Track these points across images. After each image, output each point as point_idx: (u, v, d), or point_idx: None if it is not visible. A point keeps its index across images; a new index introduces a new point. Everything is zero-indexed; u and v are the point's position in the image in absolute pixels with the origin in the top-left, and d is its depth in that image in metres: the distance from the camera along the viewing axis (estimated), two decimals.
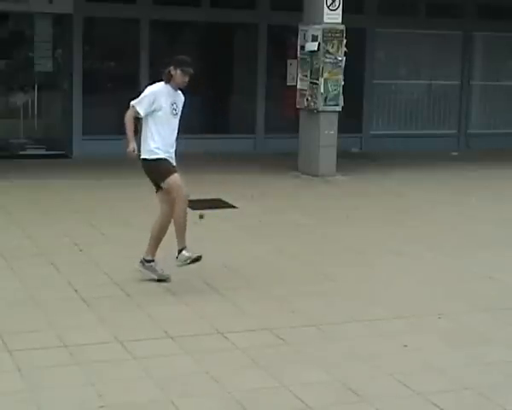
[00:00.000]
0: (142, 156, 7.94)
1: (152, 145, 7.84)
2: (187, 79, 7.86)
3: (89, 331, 6.63)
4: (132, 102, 7.87)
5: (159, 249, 8.06)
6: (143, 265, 8.03)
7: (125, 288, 7.77)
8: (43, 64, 16.42)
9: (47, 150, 16.17)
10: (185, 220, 7.86)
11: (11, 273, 8.22)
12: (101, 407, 5.29)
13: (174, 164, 7.95)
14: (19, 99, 16.62)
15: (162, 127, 7.83)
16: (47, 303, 7.29)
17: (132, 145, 7.82)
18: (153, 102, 7.77)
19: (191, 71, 7.86)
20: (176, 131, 7.96)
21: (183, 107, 8.06)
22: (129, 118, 7.86)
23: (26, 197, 11.99)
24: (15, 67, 16.63)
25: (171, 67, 7.81)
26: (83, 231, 10.05)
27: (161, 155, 7.84)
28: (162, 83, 7.90)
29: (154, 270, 7.99)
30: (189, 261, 7.85)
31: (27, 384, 5.60)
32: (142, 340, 6.49)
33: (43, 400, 5.38)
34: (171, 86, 7.87)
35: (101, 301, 7.41)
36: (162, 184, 7.89)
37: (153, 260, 8.02)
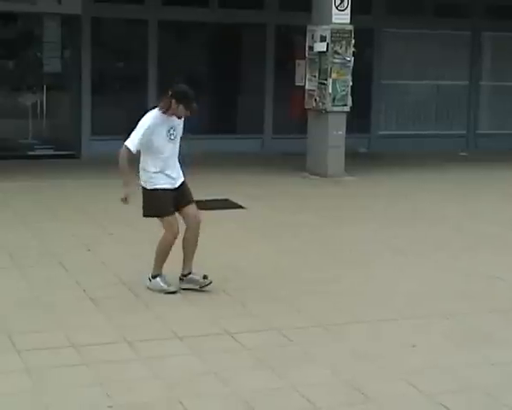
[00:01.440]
0: (141, 183, 7.69)
1: (150, 173, 7.57)
2: (189, 113, 7.58)
3: (97, 331, 6.64)
4: (126, 142, 7.55)
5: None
6: (150, 281, 7.82)
7: (133, 288, 7.78)
8: (52, 65, 16.48)
9: (55, 151, 16.22)
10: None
11: (19, 273, 8.24)
12: (110, 406, 5.30)
13: (177, 185, 7.67)
14: (27, 100, 16.67)
15: (160, 154, 7.55)
16: (55, 303, 7.31)
17: (126, 192, 7.52)
18: (147, 136, 7.49)
19: (195, 107, 7.53)
20: (176, 155, 7.68)
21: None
22: (123, 160, 7.52)
23: (34, 197, 12.02)
24: (24, 68, 16.69)
25: (173, 101, 7.47)
26: (91, 231, 10.07)
27: (160, 185, 7.56)
28: (157, 112, 7.57)
29: (158, 285, 7.78)
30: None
31: (35, 384, 5.62)
32: (150, 340, 6.50)
33: (52, 400, 5.39)
34: (168, 115, 7.55)
35: (109, 301, 7.43)
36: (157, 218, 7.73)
37: (159, 275, 7.82)
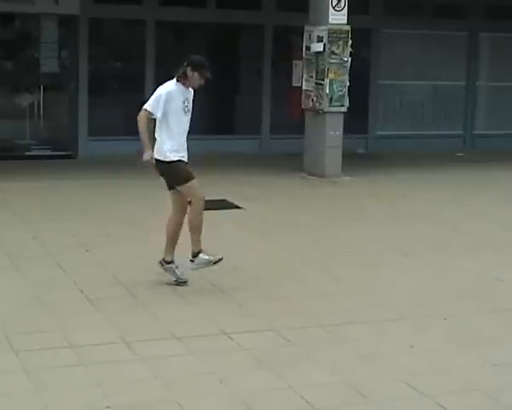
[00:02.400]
0: (157, 157, 7.78)
1: (168, 146, 7.72)
2: (203, 82, 7.79)
3: (95, 332, 6.63)
4: (145, 106, 7.69)
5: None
6: (162, 266, 7.98)
7: (131, 288, 7.77)
8: (49, 65, 16.45)
9: (53, 151, 16.19)
10: (201, 223, 7.85)
11: (17, 274, 8.23)
12: (108, 407, 5.29)
13: (187, 161, 7.89)
14: (25, 100, 16.64)
15: (175, 127, 7.72)
16: (53, 304, 7.29)
17: (149, 153, 7.70)
18: (166, 102, 7.63)
19: (209, 75, 7.75)
20: (187, 129, 7.88)
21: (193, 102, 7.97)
22: (143, 123, 7.66)
23: (32, 198, 12.00)
24: (21, 68, 16.65)
25: (188, 69, 7.66)
26: (89, 232, 10.06)
27: (178, 157, 7.75)
28: (173, 82, 7.75)
29: (173, 272, 7.94)
30: (212, 264, 7.84)
31: (34, 385, 5.61)
32: (148, 340, 6.49)
33: (50, 400, 5.38)
34: (184, 85, 7.75)
35: (108, 301, 7.42)
36: (179, 188, 7.82)
37: (172, 262, 7.97)
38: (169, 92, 7.69)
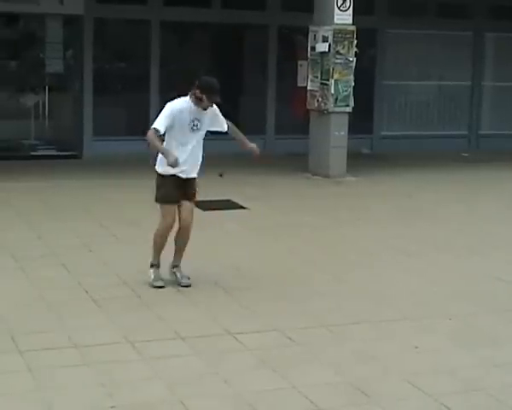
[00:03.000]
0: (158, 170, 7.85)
1: (163, 159, 7.68)
2: (211, 104, 7.70)
3: (99, 332, 6.64)
4: (153, 124, 7.65)
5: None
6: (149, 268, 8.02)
7: (135, 288, 7.78)
8: (54, 65, 16.47)
9: (58, 151, 16.22)
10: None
11: (21, 274, 8.24)
12: (112, 407, 5.30)
13: (184, 176, 7.74)
14: (30, 100, 16.66)
15: (177, 142, 7.67)
16: (57, 304, 7.30)
17: (173, 156, 7.56)
18: (172, 118, 7.62)
19: (217, 100, 7.67)
20: (194, 147, 7.75)
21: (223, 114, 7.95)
22: (152, 141, 7.60)
23: (36, 198, 12.02)
24: (26, 69, 16.68)
25: (198, 91, 7.58)
26: (93, 232, 10.07)
27: (167, 172, 7.67)
28: (186, 99, 7.68)
29: (150, 277, 7.94)
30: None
31: (38, 384, 5.62)
32: (152, 341, 6.49)
33: (54, 400, 5.39)
34: (196, 104, 7.66)
35: (112, 301, 7.43)
36: (156, 202, 7.88)
37: (156, 266, 7.98)
38: (177, 109, 7.66)
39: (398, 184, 14.45)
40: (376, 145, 18.23)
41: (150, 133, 7.61)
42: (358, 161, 15.72)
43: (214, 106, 7.85)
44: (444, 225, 11.21)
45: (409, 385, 5.78)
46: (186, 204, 7.81)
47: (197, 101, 7.63)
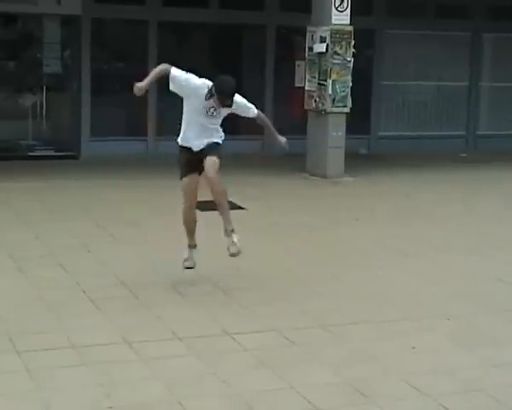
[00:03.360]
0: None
1: (181, 131, 7.78)
2: (221, 106, 7.64)
3: (97, 332, 6.63)
4: (172, 67, 7.67)
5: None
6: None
7: (133, 289, 7.77)
8: (52, 65, 16.46)
9: (55, 151, 16.21)
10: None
11: (20, 274, 8.23)
12: (110, 407, 5.29)
13: (198, 149, 7.70)
14: (27, 100, 16.65)
15: (192, 119, 7.68)
16: (55, 304, 7.29)
17: (141, 84, 7.62)
18: (185, 86, 7.60)
19: (227, 104, 7.62)
20: (211, 128, 7.70)
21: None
22: (157, 69, 7.74)
23: (34, 198, 12.01)
24: (24, 69, 16.67)
25: (213, 88, 7.59)
26: (91, 232, 10.06)
27: (183, 144, 7.77)
28: (206, 85, 7.65)
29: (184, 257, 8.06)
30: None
31: (36, 385, 5.61)
32: (150, 341, 6.48)
33: (52, 400, 5.38)
34: (213, 100, 7.62)
35: (110, 301, 7.42)
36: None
37: (189, 247, 8.09)
38: (195, 84, 7.63)
39: (395, 184, 14.46)
40: (374, 145, 18.24)
41: (161, 67, 7.71)
42: (356, 161, 15.73)
43: (236, 96, 7.78)
44: (442, 226, 11.21)
45: (408, 385, 5.78)
46: (207, 158, 7.64)
47: (212, 96, 7.62)
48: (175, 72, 7.67)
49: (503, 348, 6.65)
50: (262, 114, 8.15)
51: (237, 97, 7.84)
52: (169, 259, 8.88)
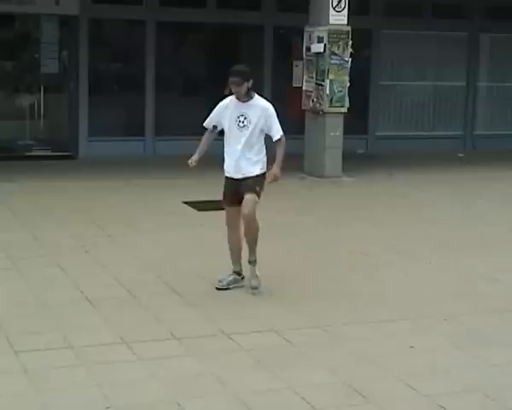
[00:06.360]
0: None
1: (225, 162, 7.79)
2: (234, 88, 7.58)
3: (94, 333, 6.63)
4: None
5: None
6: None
7: (130, 289, 7.77)
8: (49, 65, 16.45)
9: (53, 151, 16.21)
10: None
11: (17, 274, 8.23)
12: (108, 408, 5.29)
13: (236, 176, 7.70)
14: (25, 100, 16.65)
15: (228, 142, 7.70)
16: (53, 304, 7.29)
17: (194, 157, 7.82)
18: (219, 116, 7.72)
19: (231, 80, 7.55)
20: (244, 145, 7.64)
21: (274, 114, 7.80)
22: (204, 136, 7.92)
23: (31, 198, 12.01)
24: (21, 69, 16.66)
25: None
26: (88, 232, 10.06)
27: (226, 174, 7.76)
28: (231, 96, 7.71)
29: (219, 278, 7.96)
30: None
31: (33, 385, 5.61)
32: (147, 341, 6.49)
33: (49, 401, 5.38)
34: (235, 95, 7.63)
35: (107, 302, 7.42)
36: None
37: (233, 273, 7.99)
38: (222, 105, 7.76)
39: (393, 184, 14.46)
40: (371, 145, 18.26)
41: (206, 133, 7.89)
42: (354, 161, 15.73)
43: (270, 108, 7.72)
44: (440, 226, 11.22)
45: (405, 386, 5.78)
46: (244, 197, 7.68)
47: (231, 92, 7.64)
48: (207, 120, 7.84)
49: (501, 348, 6.66)
50: (283, 144, 7.89)
51: (272, 111, 7.75)
52: (167, 259, 8.89)
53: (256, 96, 7.74)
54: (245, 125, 7.63)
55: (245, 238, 7.86)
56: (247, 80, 7.57)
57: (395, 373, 5.99)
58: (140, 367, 5.98)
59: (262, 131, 7.71)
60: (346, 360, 6.25)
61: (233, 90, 7.61)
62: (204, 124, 7.86)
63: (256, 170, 7.73)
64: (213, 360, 6.15)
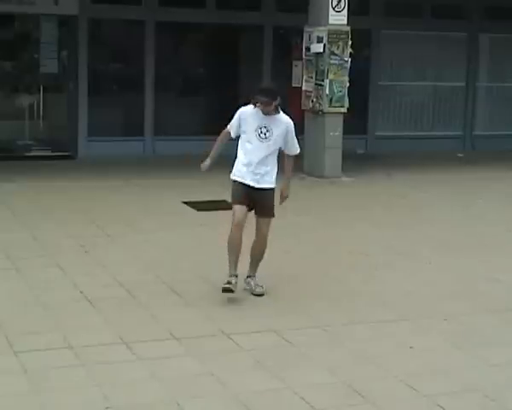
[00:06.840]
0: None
1: (235, 166, 7.73)
2: (261, 106, 7.58)
3: (94, 333, 6.63)
4: (228, 125, 7.84)
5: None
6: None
7: (130, 289, 7.77)
8: (49, 65, 16.44)
9: (52, 152, 16.19)
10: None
11: (17, 274, 8.22)
12: (107, 408, 5.29)
13: (252, 185, 7.64)
14: (24, 100, 16.64)
15: (245, 148, 7.66)
16: (52, 304, 7.29)
17: (206, 162, 7.85)
18: (239, 123, 7.70)
19: (260, 99, 7.57)
20: (263, 156, 7.63)
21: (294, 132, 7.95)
22: (219, 138, 7.91)
23: (31, 198, 12.00)
24: (21, 69, 16.66)
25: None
26: (88, 232, 10.05)
27: (236, 178, 7.69)
28: (251, 105, 7.73)
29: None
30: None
31: (33, 386, 5.61)
32: (147, 341, 6.48)
33: (49, 401, 5.38)
34: (262, 110, 7.62)
35: (107, 302, 7.41)
36: None
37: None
38: (245, 112, 7.74)
39: (392, 184, 14.46)
40: (371, 145, 18.25)
41: (222, 133, 7.89)
42: (353, 161, 15.73)
43: (291, 124, 7.87)
44: (439, 226, 11.21)
45: (405, 386, 5.78)
46: (259, 220, 7.73)
47: (255, 104, 7.64)
48: (231, 123, 7.81)
49: (500, 348, 6.66)
50: (294, 157, 8.14)
51: (293, 128, 7.92)
52: (167, 259, 8.89)
53: (280, 111, 7.80)
54: (266, 138, 7.65)
55: (252, 254, 7.85)
56: (276, 99, 7.63)
57: (395, 373, 5.99)
58: (140, 367, 5.98)
59: (280, 145, 7.81)
60: (346, 360, 6.25)
61: (260, 108, 7.62)
62: (231, 132, 7.77)
63: (269, 182, 7.75)
64: (213, 360, 6.15)
